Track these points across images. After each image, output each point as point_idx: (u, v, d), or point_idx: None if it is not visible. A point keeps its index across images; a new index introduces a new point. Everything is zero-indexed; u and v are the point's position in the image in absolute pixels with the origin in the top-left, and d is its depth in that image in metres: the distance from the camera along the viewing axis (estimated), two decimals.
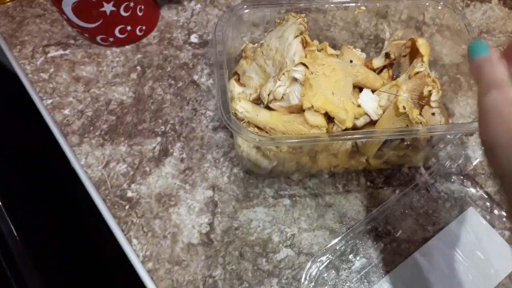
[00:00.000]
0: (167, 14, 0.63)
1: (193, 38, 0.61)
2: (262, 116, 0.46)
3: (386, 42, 0.56)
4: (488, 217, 0.49)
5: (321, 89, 0.44)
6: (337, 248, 0.46)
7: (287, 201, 0.50)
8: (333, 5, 0.53)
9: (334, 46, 0.60)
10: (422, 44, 0.47)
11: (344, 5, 0.53)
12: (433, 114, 0.44)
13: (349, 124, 0.43)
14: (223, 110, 0.40)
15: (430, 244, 0.47)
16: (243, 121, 0.47)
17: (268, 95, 0.44)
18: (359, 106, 0.45)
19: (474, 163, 0.53)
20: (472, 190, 0.51)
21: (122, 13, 0.55)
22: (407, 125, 0.43)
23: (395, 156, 0.49)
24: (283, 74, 0.44)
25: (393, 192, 0.51)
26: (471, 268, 0.46)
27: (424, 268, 0.46)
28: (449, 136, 0.47)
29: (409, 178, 0.52)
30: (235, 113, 0.45)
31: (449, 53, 0.54)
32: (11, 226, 0.48)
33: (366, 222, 0.47)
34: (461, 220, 0.49)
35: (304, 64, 0.43)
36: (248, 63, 0.48)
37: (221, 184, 0.50)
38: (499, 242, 0.48)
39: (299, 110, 0.44)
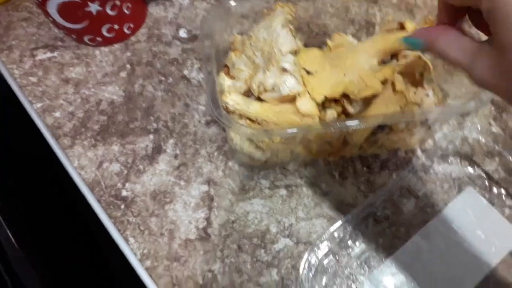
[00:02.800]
0: (155, 10, 0.62)
1: (182, 33, 0.60)
2: (253, 108, 0.45)
3: (376, 27, 0.55)
4: (487, 195, 0.49)
5: (325, 80, 0.44)
6: (336, 235, 0.46)
7: (283, 192, 0.49)
8: None
9: (325, 34, 0.59)
10: (411, 28, 0.46)
11: None
12: (426, 95, 0.43)
13: (363, 94, 0.42)
14: (213, 106, 0.40)
15: (430, 226, 0.47)
16: (235, 114, 0.46)
17: (258, 86, 0.44)
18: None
19: (471, 143, 0.52)
20: (470, 170, 0.51)
21: (109, 12, 0.54)
22: (401, 107, 0.42)
23: (390, 140, 0.48)
24: (272, 64, 0.43)
25: (390, 176, 0.50)
26: (471, 247, 0.45)
27: (424, 251, 0.45)
28: (444, 117, 0.47)
29: (406, 162, 0.51)
30: (225, 106, 0.45)
31: None
32: (8, 232, 0.48)
33: (364, 207, 0.47)
34: (459, 200, 0.48)
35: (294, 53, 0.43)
36: (237, 55, 0.48)
37: (216, 178, 0.50)
38: (498, 219, 0.47)
39: (291, 100, 0.44)
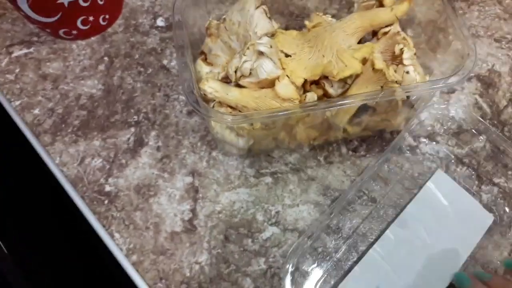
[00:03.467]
0: (130, 0, 0.61)
1: (160, 22, 0.59)
2: (232, 94, 0.44)
3: (355, 5, 0.53)
4: (474, 174, 0.48)
5: (304, 62, 0.42)
6: (323, 221, 0.45)
7: (268, 179, 0.49)
8: None
9: (305, 16, 0.58)
10: (389, 3, 0.45)
11: None
12: (407, 72, 0.42)
13: (342, 74, 0.41)
14: (188, 95, 0.39)
15: (405, 214, 0.46)
16: (214, 102, 0.45)
17: (235, 72, 0.43)
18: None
19: (458, 121, 0.51)
20: (457, 149, 0.50)
21: (82, 3, 0.53)
22: (381, 87, 0.41)
23: (374, 121, 0.47)
24: (248, 48, 0.42)
25: (376, 159, 0.49)
26: (448, 233, 0.44)
27: (404, 239, 0.44)
28: (427, 95, 0.46)
29: (392, 142, 0.50)
30: (204, 94, 0.44)
31: (424, 10, 0.51)
32: None
33: (350, 191, 0.46)
34: (430, 185, 0.47)
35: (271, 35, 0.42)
36: (213, 40, 0.46)
37: (201, 169, 0.49)
38: (469, 201, 0.46)
39: (270, 84, 0.43)
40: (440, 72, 0.53)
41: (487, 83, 0.55)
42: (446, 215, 0.46)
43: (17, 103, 0.53)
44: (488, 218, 0.45)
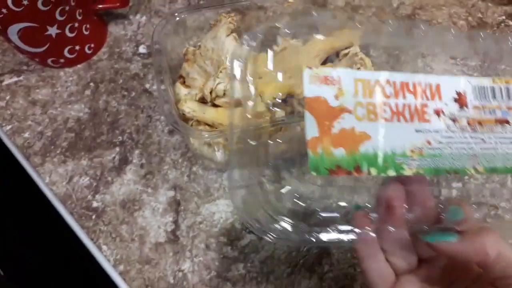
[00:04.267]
0: (114, 29, 0.65)
1: (142, 49, 0.63)
2: (208, 113, 0.48)
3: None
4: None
5: (273, 82, 0.47)
6: None
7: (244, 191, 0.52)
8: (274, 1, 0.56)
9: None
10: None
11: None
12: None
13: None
14: (167, 115, 0.43)
15: None
16: (193, 121, 0.49)
17: (210, 93, 0.47)
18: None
19: None
20: None
21: (68, 34, 0.57)
22: None
23: None
24: (221, 71, 0.46)
25: None
26: None
27: None
28: None
29: None
30: (183, 114, 0.48)
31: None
32: None
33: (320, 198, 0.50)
34: None
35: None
36: (189, 65, 0.51)
37: (182, 183, 0.53)
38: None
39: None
40: None
41: None
42: None
43: (8, 127, 0.57)
44: None
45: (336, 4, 0.65)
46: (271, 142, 0.52)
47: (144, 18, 0.66)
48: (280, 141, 0.51)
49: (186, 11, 0.51)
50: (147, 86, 0.60)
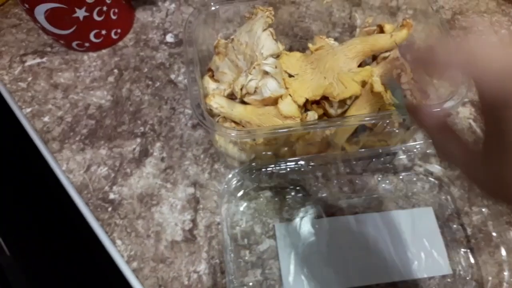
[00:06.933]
0: (142, 15, 0.63)
1: (169, 38, 0.61)
2: (236, 110, 0.46)
3: (357, 30, 0.56)
4: (466, 195, 0.49)
5: (306, 82, 0.45)
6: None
7: (268, 193, 0.50)
8: None
9: (309, 37, 0.60)
10: (389, 30, 0.47)
11: None
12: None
13: (342, 96, 0.43)
14: (195, 109, 0.41)
15: (370, 215, 0.48)
16: (219, 117, 0.47)
17: (241, 89, 0.45)
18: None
19: None
20: (450, 171, 0.51)
21: (96, 17, 0.55)
22: (379, 109, 0.43)
23: (371, 141, 0.49)
24: (254, 68, 0.44)
25: (372, 177, 0.51)
26: (394, 255, 0.46)
27: (351, 231, 0.47)
28: None
29: (388, 162, 0.52)
30: (210, 109, 0.46)
31: (423, 37, 0.54)
32: None
33: (346, 208, 0.48)
34: (415, 212, 0.49)
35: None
36: (220, 58, 0.49)
37: (202, 180, 0.51)
38: (439, 244, 0.47)
39: (273, 102, 0.45)
40: (436, 96, 0.55)
41: (481, 108, 0.57)
42: (404, 244, 0.47)
43: (28, 110, 0.55)
44: (446, 269, 0.46)
45: (372, 4, 0.62)
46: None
47: (173, 5, 0.64)
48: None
49: (219, 2, 0.49)
50: (173, 76, 0.58)
